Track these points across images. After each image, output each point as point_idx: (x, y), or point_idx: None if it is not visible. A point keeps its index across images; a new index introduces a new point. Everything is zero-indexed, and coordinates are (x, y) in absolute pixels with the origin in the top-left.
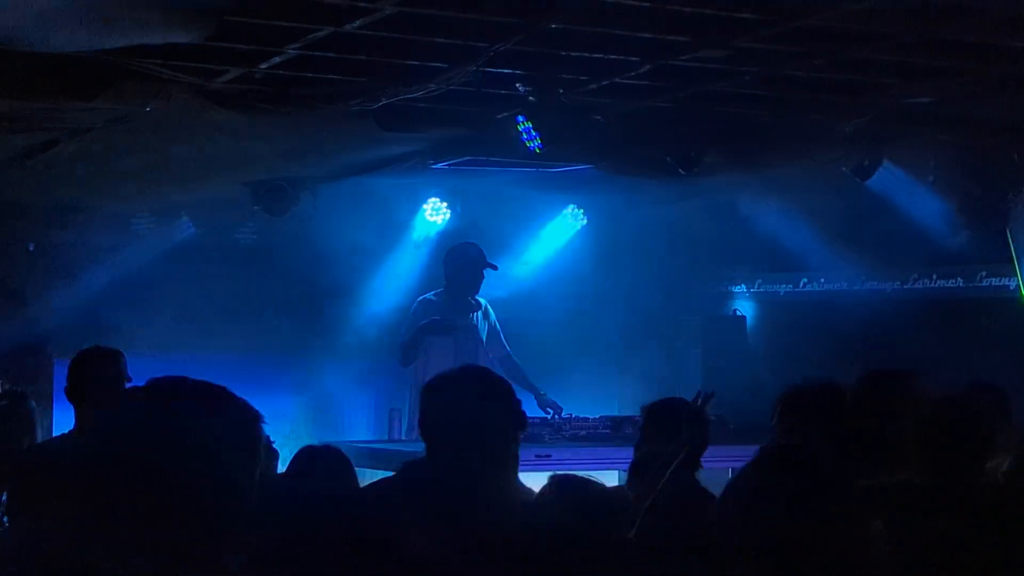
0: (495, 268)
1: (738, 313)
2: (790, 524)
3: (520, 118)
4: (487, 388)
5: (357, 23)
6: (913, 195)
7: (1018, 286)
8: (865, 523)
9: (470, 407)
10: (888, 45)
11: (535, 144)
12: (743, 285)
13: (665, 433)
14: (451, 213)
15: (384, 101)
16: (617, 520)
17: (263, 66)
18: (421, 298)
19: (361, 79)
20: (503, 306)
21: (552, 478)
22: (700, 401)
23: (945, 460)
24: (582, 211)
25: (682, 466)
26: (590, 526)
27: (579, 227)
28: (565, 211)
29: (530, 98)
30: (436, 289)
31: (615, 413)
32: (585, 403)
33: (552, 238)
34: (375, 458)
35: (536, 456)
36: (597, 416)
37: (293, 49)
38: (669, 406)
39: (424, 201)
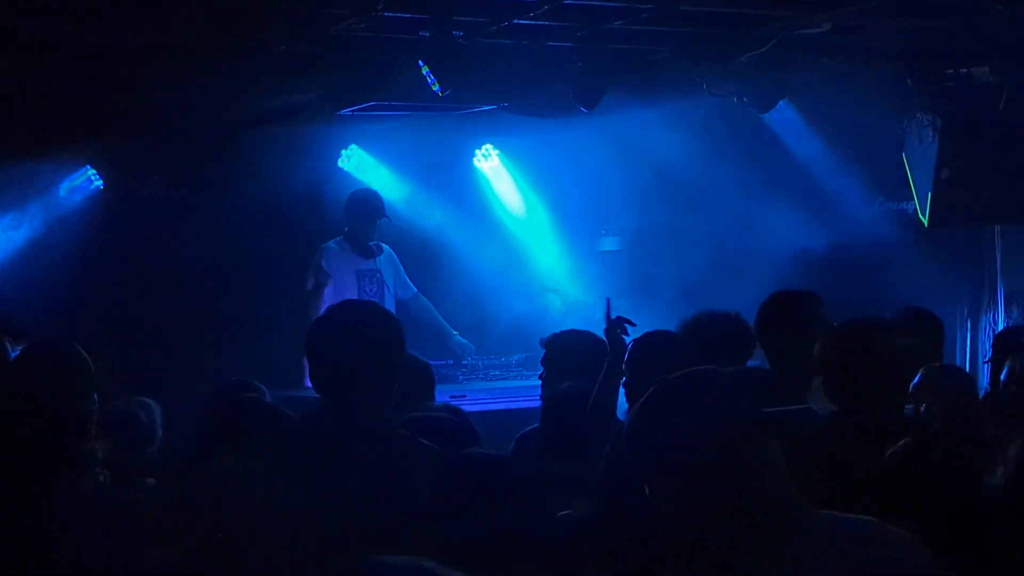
0: (389, 219)
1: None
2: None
3: (421, 62)
4: (361, 320)
5: None
6: (811, 126)
7: (915, 209)
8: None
9: (344, 342)
10: None
11: (438, 88)
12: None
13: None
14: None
15: (284, 49)
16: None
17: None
18: (323, 246)
19: (261, 28)
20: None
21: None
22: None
23: (852, 387)
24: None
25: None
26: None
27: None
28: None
29: (429, 42)
30: (338, 237)
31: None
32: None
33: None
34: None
35: (451, 397)
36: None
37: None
38: (566, 339)
39: (342, 149)
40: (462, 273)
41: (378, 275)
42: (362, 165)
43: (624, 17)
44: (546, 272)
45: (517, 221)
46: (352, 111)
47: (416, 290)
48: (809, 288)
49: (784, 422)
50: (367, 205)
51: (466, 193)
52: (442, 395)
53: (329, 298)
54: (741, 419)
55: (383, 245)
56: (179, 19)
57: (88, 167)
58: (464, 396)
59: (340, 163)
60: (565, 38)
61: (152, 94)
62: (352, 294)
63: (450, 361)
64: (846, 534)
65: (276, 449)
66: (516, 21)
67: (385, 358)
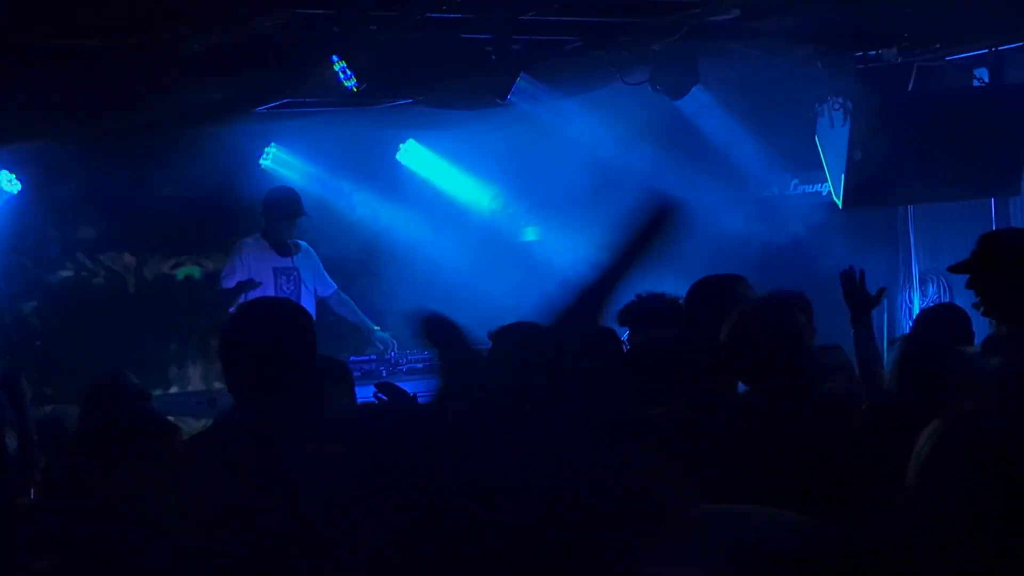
0: (308, 216)
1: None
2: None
3: (335, 57)
4: (271, 316)
5: None
6: (727, 111)
7: (830, 191)
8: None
9: (255, 340)
10: None
11: (352, 83)
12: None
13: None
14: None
15: (196, 48)
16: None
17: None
18: (240, 242)
19: (172, 27)
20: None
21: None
22: None
23: (755, 367)
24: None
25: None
26: None
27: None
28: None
29: (341, 36)
30: (255, 233)
31: None
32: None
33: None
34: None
35: (375, 394)
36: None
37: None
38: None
39: (263, 148)
40: (397, 266)
41: (295, 273)
42: (284, 163)
43: (536, 6)
44: (470, 267)
45: (442, 213)
46: (268, 109)
47: (336, 287)
48: (730, 271)
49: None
50: (285, 203)
51: (390, 187)
52: (365, 391)
53: (245, 296)
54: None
55: (301, 243)
56: (93, 19)
57: (3, 170)
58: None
59: (261, 161)
60: (479, 30)
61: (65, 95)
62: (268, 291)
63: (373, 356)
64: (734, 527)
65: (168, 454)
66: (430, 15)
67: (296, 353)
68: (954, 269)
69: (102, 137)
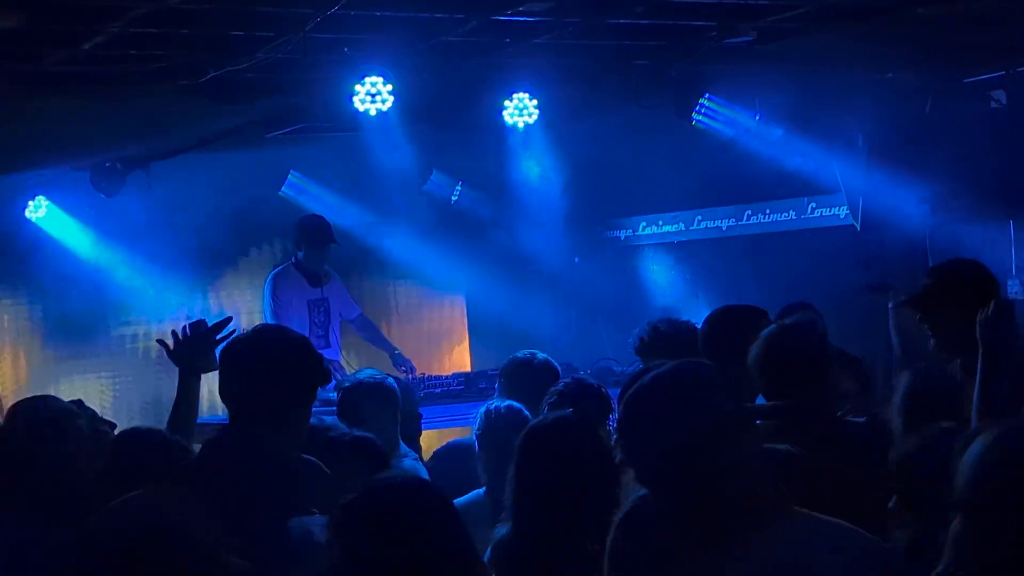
0: (338, 244)
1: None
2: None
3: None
4: (274, 350)
5: None
6: (739, 131)
7: (848, 214)
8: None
9: (255, 370)
10: None
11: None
12: (581, 235)
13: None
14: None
15: (211, 74)
16: None
17: (85, 47)
18: (273, 275)
19: (186, 53)
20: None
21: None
22: None
23: (783, 386)
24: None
25: None
26: None
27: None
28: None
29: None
30: (284, 263)
31: None
32: None
33: None
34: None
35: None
36: (450, 373)
37: (115, 27)
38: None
39: (288, 176)
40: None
41: (326, 303)
42: (304, 190)
43: (552, 31)
44: None
45: None
46: (282, 133)
47: (360, 311)
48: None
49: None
50: (318, 232)
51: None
52: None
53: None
54: (725, 413)
55: (331, 271)
56: (110, 46)
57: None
58: None
59: (282, 190)
60: (494, 54)
61: (78, 122)
62: (304, 323)
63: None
64: (821, 535)
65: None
66: (446, 38)
67: (288, 381)
68: (906, 303)
69: (120, 163)
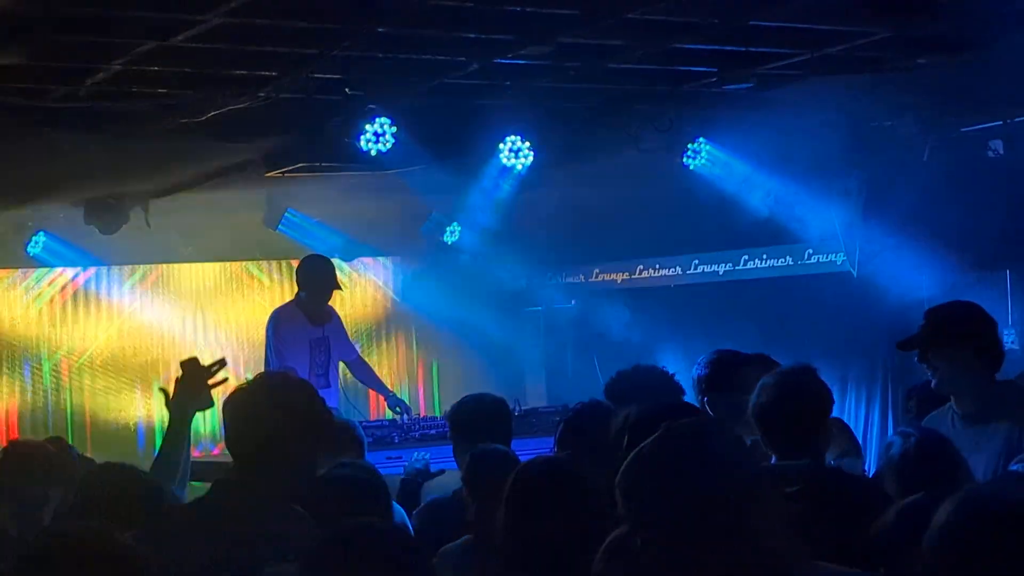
0: (341, 290)
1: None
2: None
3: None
4: (279, 397)
5: (182, 36)
6: (736, 179)
7: (845, 261)
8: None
9: (260, 418)
10: (705, 34)
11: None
12: (577, 277)
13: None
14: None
15: (213, 112)
16: None
17: (89, 83)
18: (275, 313)
19: (189, 91)
20: None
21: None
22: None
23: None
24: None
25: None
26: None
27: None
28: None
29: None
30: (288, 303)
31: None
32: None
33: None
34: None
35: (387, 458)
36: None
37: (119, 64)
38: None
39: (285, 213)
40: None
41: (326, 343)
42: (303, 227)
43: (552, 75)
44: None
45: None
46: (282, 173)
47: (358, 353)
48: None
49: (786, 475)
50: (324, 275)
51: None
52: (377, 456)
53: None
54: (746, 471)
55: (332, 310)
56: (112, 83)
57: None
58: (399, 458)
59: (280, 227)
60: (494, 96)
61: (82, 158)
62: (304, 363)
63: (386, 421)
64: None
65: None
66: (447, 80)
67: (290, 427)
68: (903, 346)
69: (124, 199)
